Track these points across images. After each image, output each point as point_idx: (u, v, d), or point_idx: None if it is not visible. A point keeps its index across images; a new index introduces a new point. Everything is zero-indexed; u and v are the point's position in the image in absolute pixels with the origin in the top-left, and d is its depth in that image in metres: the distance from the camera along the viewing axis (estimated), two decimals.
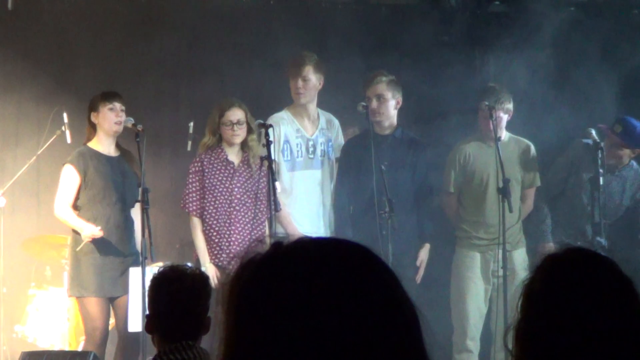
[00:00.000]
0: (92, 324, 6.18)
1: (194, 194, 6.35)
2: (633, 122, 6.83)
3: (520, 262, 6.68)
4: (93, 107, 6.28)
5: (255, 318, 1.25)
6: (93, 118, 6.30)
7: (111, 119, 6.24)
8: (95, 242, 6.14)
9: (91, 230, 6.06)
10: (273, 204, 6.06)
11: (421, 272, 6.58)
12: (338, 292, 1.24)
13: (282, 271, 1.27)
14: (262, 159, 6.30)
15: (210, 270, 6.16)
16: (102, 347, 6.17)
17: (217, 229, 6.34)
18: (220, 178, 6.36)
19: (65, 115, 6.87)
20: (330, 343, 1.22)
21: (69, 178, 6.26)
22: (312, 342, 1.22)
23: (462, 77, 7.41)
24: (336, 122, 6.89)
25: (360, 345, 1.22)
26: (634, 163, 7.00)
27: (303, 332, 1.22)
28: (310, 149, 6.71)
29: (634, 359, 1.88)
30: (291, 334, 1.22)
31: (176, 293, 3.43)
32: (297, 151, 6.69)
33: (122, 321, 6.19)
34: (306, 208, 6.66)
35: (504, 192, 6.35)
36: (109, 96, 6.26)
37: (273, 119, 6.52)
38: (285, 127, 6.62)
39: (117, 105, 6.24)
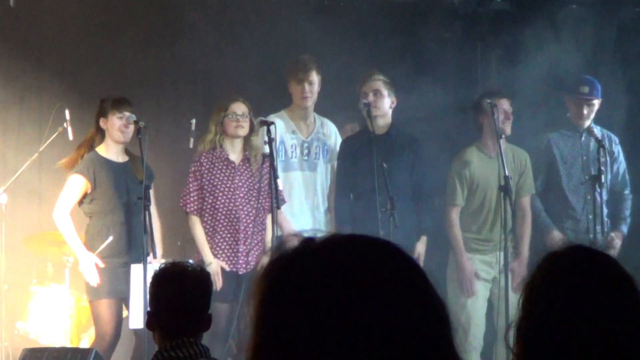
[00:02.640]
0: (103, 328, 6.18)
1: (194, 194, 6.38)
2: (589, 77, 6.94)
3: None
4: (103, 113, 6.26)
5: (283, 315, 1.23)
6: (102, 124, 6.29)
7: (120, 128, 6.23)
8: (115, 250, 6.19)
9: (89, 268, 6.11)
10: (275, 202, 6.07)
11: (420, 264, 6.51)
12: (368, 290, 1.23)
13: (313, 268, 1.25)
14: (264, 156, 6.32)
15: (215, 266, 6.19)
16: (110, 352, 6.16)
17: (219, 229, 6.34)
18: (221, 178, 6.37)
19: (67, 112, 6.87)
20: (358, 342, 1.20)
21: (75, 187, 6.25)
22: (340, 342, 1.20)
23: (463, 74, 7.41)
24: (333, 127, 6.91)
25: (389, 344, 1.21)
26: (597, 129, 6.94)
27: (330, 331, 1.20)
28: (305, 151, 6.74)
29: (635, 356, 1.88)
30: (318, 333, 1.21)
31: (177, 290, 3.43)
32: (292, 152, 6.71)
33: None
34: (298, 209, 6.67)
35: (505, 190, 6.35)
36: (119, 104, 6.23)
37: (269, 119, 6.52)
38: (281, 127, 6.63)
39: (127, 114, 6.21)
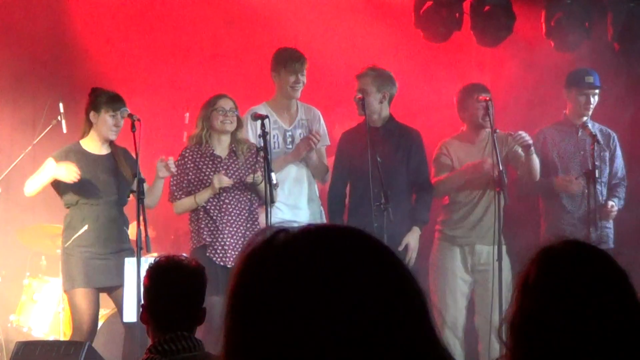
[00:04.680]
0: (79, 317, 6.13)
1: (179, 185, 6.37)
2: (589, 68, 7.00)
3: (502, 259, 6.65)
4: (95, 107, 6.19)
5: (256, 310, 1.22)
6: (92, 117, 6.22)
7: (109, 126, 6.19)
8: (84, 238, 6.15)
9: (68, 171, 6.03)
10: (270, 196, 6.06)
11: (411, 255, 6.50)
12: (340, 279, 1.20)
13: (283, 260, 1.23)
14: (258, 149, 6.31)
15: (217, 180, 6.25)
16: (90, 340, 6.12)
17: (207, 222, 6.34)
18: (207, 172, 6.36)
19: (61, 104, 6.86)
20: (335, 333, 1.18)
21: (47, 168, 6.20)
22: (316, 334, 1.18)
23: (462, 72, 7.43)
24: (317, 112, 6.88)
25: (367, 335, 1.19)
26: (595, 125, 6.96)
27: (306, 324, 1.18)
28: (288, 140, 6.71)
29: (629, 351, 1.89)
30: (293, 327, 1.19)
31: (172, 283, 3.43)
32: (274, 142, 6.67)
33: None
34: (284, 198, 6.65)
35: (499, 184, 6.37)
36: (113, 103, 6.15)
37: (250, 112, 6.51)
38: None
39: (119, 114, 6.16)
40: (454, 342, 6.66)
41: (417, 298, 1.26)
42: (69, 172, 6.06)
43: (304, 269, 1.21)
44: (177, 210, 6.46)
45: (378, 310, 1.20)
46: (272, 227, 1.28)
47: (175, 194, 6.40)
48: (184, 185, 6.39)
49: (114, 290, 6.21)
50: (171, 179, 6.38)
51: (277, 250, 1.24)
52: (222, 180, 6.28)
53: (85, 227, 6.15)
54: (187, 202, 6.38)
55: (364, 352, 1.18)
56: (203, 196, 6.34)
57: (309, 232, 1.26)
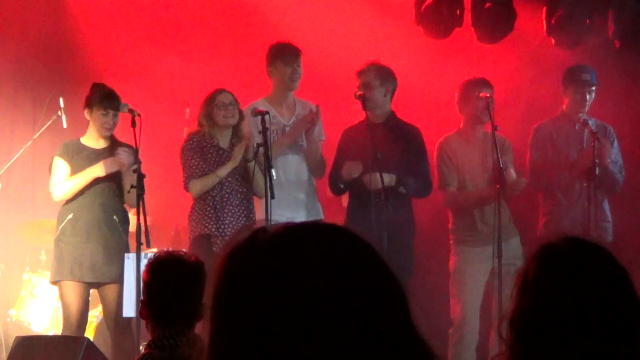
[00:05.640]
0: (67, 309, 6.13)
1: (198, 165, 6.35)
2: (586, 65, 7.02)
3: (517, 251, 6.64)
4: (89, 104, 6.21)
5: (239, 310, 1.24)
6: (86, 114, 6.24)
7: (101, 124, 6.20)
8: (76, 229, 6.15)
9: (121, 157, 6.10)
10: (269, 191, 6.07)
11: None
12: (320, 275, 1.22)
13: (264, 260, 1.25)
14: (258, 145, 6.31)
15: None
16: (79, 333, 6.10)
17: (209, 214, 6.35)
18: (211, 163, 6.37)
19: (61, 99, 6.87)
20: (318, 329, 1.20)
21: (62, 166, 6.25)
22: (299, 331, 1.20)
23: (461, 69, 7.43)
24: (314, 107, 6.88)
25: (345, 328, 1.21)
26: (592, 121, 6.96)
27: (288, 322, 1.20)
28: None
29: (627, 349, 1.89)
30: (276, 325, 1.20)
31: (171, 279, 3.43)
32: (273, 137, 6.67)
33: (112, 311, 6.17)
34: (283, 193, 6.63)
35: (499, 180, 6.36)
36: (105, 102, 6.16)
37: (249, 108, 6.51)
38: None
39: (111, 112, 6.18)
40: (470, 343, 6.62)
41: (397, 293, 1.28)
42: (113, 163, 6.13)
43: (284, 267, 1.23)
44: (195, 189, 6.35)
45: (359, 305, 1.22)
46: (250, 226, 1.29)
47: (196, 170, 6.36)
48: (202, 165, 6.36)
49: (101, 286, 6.20)
50: (186, 162, 6.35)
51: (257, 250, 1.26)
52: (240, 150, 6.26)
53: (70, 217, 6.15)
54: (208, 179, 6.34)
55: (346, 346, 1.20)
56: (224, 170, 6.32)
57: (288, 231, 1.28)
